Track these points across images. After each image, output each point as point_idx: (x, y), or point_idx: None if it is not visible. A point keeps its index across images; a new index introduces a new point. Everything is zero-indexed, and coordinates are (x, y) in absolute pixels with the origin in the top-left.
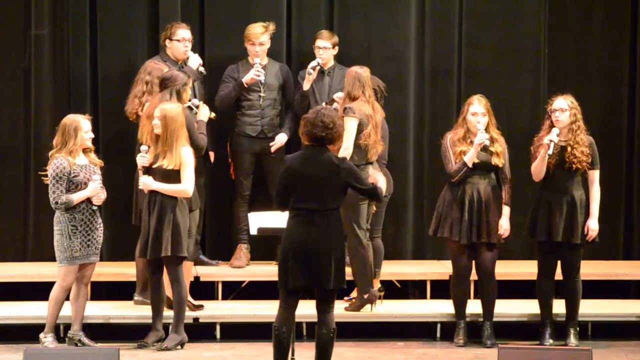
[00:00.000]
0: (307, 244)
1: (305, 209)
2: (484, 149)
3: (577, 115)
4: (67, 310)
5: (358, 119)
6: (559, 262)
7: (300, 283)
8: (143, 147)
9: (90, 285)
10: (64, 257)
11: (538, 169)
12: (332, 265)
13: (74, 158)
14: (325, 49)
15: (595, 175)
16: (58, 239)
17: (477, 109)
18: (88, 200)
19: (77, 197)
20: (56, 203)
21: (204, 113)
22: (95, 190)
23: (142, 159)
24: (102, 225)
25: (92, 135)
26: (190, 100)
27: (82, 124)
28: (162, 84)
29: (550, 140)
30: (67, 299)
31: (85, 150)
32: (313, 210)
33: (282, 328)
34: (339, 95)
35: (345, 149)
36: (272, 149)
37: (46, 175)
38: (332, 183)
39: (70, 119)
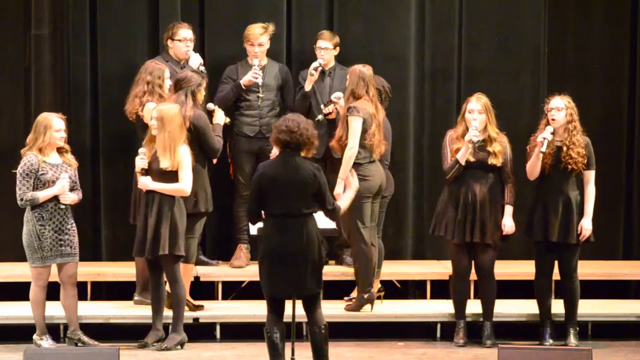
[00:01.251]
0: (284, 250)
1: (280, 215)
2: (482, 148)
3: (573, 116)
4: (61, 310)
5: (362, 118)
6: (555, 262)
7: (277, 291)
8: (141, 150)
9: (90, 285)
10: (36, 258)
11: (532, 167)
12: (308, 270)
13: (44, 156)
14: (327, 49)
15: (590, 176)
16: (27, 239)
17: (474, 106)
18: (56, 200)
19: (42, 194)
20: (21, 200)
21: (220, 117)
22: (63, 189)
23: (141, 161)
24: (74, 224)
25: (64, 135)
26: (206, 105)
27: (52, 123)
28: (177, 85)
29: (544, 138)
30: (58, 299)
31: (60, 151)
32: (287, 216)
33: (273, 330)
34: (336, 96)
35: (351, 148)
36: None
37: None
38: (306, 190)
39: (43, 116)
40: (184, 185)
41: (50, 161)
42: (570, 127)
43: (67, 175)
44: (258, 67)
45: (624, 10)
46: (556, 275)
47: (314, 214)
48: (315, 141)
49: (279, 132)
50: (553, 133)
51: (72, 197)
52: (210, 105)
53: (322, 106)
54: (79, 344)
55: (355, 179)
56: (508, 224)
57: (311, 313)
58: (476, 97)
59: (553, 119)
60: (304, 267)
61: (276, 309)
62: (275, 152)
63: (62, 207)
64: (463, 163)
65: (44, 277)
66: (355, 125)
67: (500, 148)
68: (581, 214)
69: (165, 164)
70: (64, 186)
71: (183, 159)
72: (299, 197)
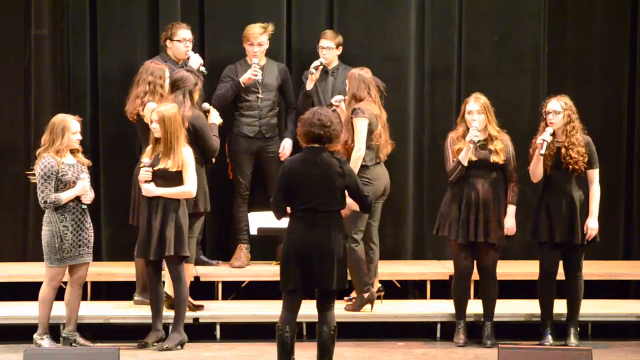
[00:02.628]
0: (310, 245)
1: (308, 210)
2: (483, 147)
3: (571, 116)
4: (62, 310)
5: (368, 119)
6: (560, 263)
7: (301, 284)
8: (145, 160)
9: (90, 285)
10: (55, 259)
11: (533, 168)
12: (335, 266)
13: (61, 157)
14: (329, 48)
15: (594, 175)
16: (48, 239)
17: (472, 107)
18: (77, 200)
19: (65, 195)
20: (45, 202)
21: (215, 116)
22: (84, 189)
23: (146, 174)
24: (91, 224)
25: (80, 137)
26: (201, 104)
27: (70, 125)
28: (174, 85)
29: (543, 140)
30: (60, 298)
31: (72, 151)
32: (315, 212)
33: (285, 328)
34: (337, 99)
35: (358, 150)
36: (282, 158)
37: (34, 175)
38: (335, 185)
39: (60, 118)
40: (190, 187)
41: (67, 162)
42: (568, 128)
43: (86, 175)
44: (257, 66)
45: (624, 10)
46: (559, 275)
47: (340, 212)
48: (341, 135)
49: (310, 125)
50: (553, 134)
51: (91, 197)
52: (206, 105)
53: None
54: (73, 345)
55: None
56: (509, 225)
57: (324, 312)
58: (474, 98)
59: (551, 122)
60: (330, 263)
61: (293, 307)
62: (277, 150)
63: (84, 206)
64: (465, 164)
65: (59, 277)
66: (361, 126)
67: (502, 146)
68: (585, 214)
69: (169, 164)
70: (85, 186)
71: (187, 160)
72: (327, 193)
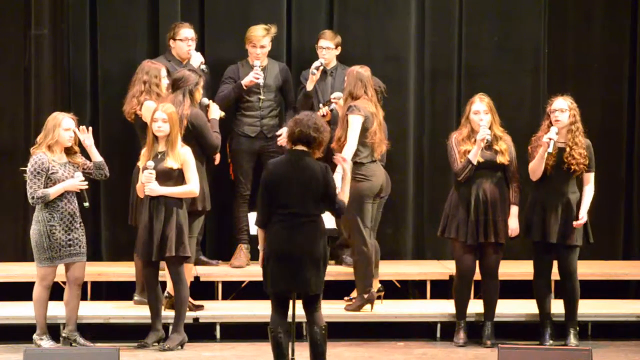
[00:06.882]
0: (290, 249)
1: (290, 214)
2: (489, 147)
3: (576, 117)
4: (61, 310)
5: (363, 117)
6: (555, 262)
7: (280, 287)
8: (150, 163)
9: (90, 285)
10: (44, 258)
11: (536, 167)
12: (313, 270)
13: (53, 154)
14: (329, 49)
15: (590, 177)
16: (37, 238)
17: (479, 107)
18: (67, 200)
19: (53, 191)
20: (32, 198)
21: (215, 111)
22: (74, 186)
23: (149, 177)
24: (82, 223)
25: (72, 135)
26: (200, 100)
27: (61, 121)
28: (175, 84)
29: (550, 139)
30: (58, 298)
31: (69, 152)
32: (297, 215)
33: (277, 329)
34: (336, 96)
35: (350, 147)
36: (279, 142)
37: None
38: (317, 190)
39: (53, 115)
40: (193, 186)
41: (59, 160)
42: (573, 127)
43: (80, 174)
44: (259, 68)
45: (624, 10)
46: (555, 275)
47: (321, 215)
48: (325, 144)
49: (305, 127)
50: (557, 133)
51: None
52: (205, 100)
53: (320, 105)
54: (73, 344)
55: (348, 164)
56: (512, 225)
57: (311, 313)
58: (479, 98)
59: (557, 120)
60: (309, 267)
61: (281, 308)
62: (279, 150)
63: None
64: (475, 163)
65: (50, 277)
66: (355, 123)
67: (506, 146)
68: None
69: (173, 163)
70: (76, 184)
71: (188, 159)
72: (309, 197)
